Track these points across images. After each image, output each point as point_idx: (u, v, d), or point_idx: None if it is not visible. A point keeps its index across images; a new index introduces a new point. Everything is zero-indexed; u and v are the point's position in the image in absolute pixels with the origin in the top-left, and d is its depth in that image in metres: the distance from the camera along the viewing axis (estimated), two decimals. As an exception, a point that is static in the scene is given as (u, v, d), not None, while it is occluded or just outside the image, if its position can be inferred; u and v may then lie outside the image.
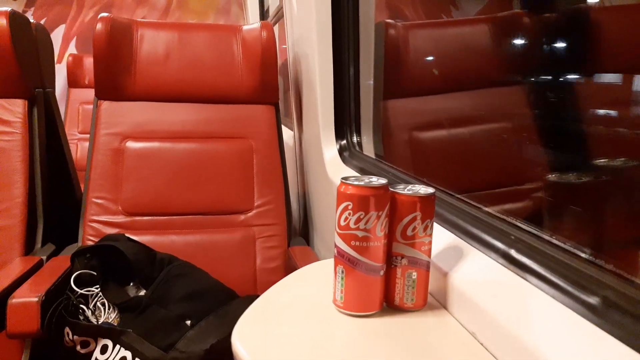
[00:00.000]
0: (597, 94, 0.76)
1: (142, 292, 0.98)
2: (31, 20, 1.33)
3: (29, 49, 1.31)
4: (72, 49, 3.23)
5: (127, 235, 1.11)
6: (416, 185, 0.60)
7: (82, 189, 1.24)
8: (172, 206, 1.22)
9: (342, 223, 0.56)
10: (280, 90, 1.35)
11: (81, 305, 0.94)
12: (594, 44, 0.72)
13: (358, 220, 0.55)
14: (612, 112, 0.71)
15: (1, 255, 1.14)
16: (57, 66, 2.18)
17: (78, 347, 0.89)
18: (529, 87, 0.98)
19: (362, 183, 0.55)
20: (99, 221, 1.19)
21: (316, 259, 1.17)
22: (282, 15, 1.54)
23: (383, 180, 0.57)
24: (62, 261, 1.06)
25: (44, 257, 1.13)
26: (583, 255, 0.49)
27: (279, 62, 1.34)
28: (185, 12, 3.34)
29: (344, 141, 1.19)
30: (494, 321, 0.49)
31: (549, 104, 0.87)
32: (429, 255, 0.59)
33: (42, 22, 3.07)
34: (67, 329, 0.90)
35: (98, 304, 0.94)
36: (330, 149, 1.19)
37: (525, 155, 0.89)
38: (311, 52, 1.21)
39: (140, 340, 0.86)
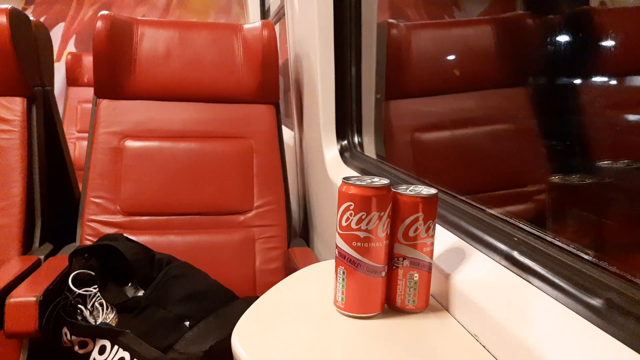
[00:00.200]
0: (603, 96, 0.76)
1: (141, 293, 0.97)
2: (31, 18, 1.33)
3: (29, 47, 1.30)
4: (71, 47, 3.22)
5: (125, 235, 1.11)
6: (418, 186, 0.59)
7: (81, 188, 1.23)
8: (171, 206, 1.22)
9: (344, 224, 0.55)
10: (280, 90, 1.35)
11: (79, 306, 0.93)
12: (598, 46, 0.72)
13: (360, 221, 0.54)
14: (616, 114, 0.71)
15: (-1, 254, 1.13)
16: (56, 64, 2.17)
17: (76, 348, 0.88)
18: (532, 88, 0.98)
19: (364, 183, 0.55)
20: (97, 221, 1.18)
21: (316, 260, 1.17)
22: (284, 15, 1.54)
23: (385, 181, 0.56)
24: (60, 261, 1.06)
25: (42, 257, 1.13)
26: (586, 257, 0.49)
27: (280, 61, 1.34)
28: (185, 10, 3.34)
29: (345, 142, 1.19)
30: (496, 323, 0.49)
31: (552, 105, 0.86)
32: (431, 257, 0.58)
33: (41, 20, 3.07)
34: (65, 329, 0.89)
35: (96, 304, 0.94)
36: (331, 149, 1.19)
37: (529, 157, 0.88)
38: (313, 51, 1.20)
39: (138, 341, 0.85)
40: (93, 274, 0.96)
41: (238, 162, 1.27)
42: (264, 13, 2.61)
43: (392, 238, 0.57)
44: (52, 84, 1.44)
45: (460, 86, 1.18)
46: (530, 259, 0.53)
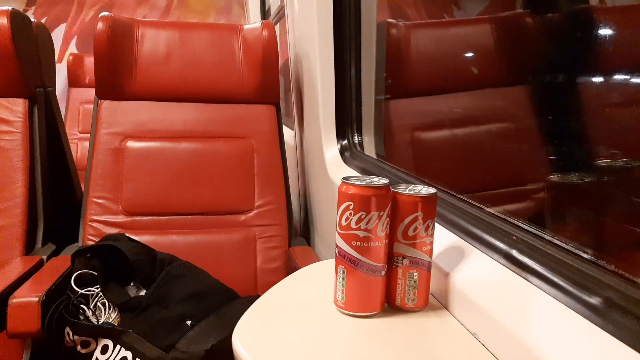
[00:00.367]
0: (602, 95, 0.76)
1: (143, 292, 0.97)
2: (32, 20, 1.33)
3: (30, 48, 1.31)
4: (72, 48, 3.23)
5: (127, 235, 1.11)
6: (418, 186, 0.59)
7: (83, 188, 1.24)
8: (173, 206, 1.22)
9: (343, 223, 0.55)
10: (281, 90, 1.35)
11: (81, 305, 0.94)
12: (597, 44, 0.72)
13: (359, 221, 0.54)
14: (615, 113, 0.71)
15: (1, 255, 1.14)
16: (57, 65, 2.17)
17: (78, 347, 0.89)
18: (531, 87, 0.98)
19: (363, 183, 0.55)
20: (99, 221, 1.19)
21: (317, 259, 1.17)
22: (284, 15, 1.54)
23: (384, 180, 0.56)
24: (63, 261, 1.06)
25: (45, 257, 1.13)
26: (585, 255, 0.49)
27: (280, 61, 1.34)
28: (186, 11, 3.34)
29: (345, 141, 1.19)
30: (495, 322, 0.49)
31: (552, 104, 0.87)
32: (431, 256, 0.59)
33: (42, 21, 3.08)
34: (67, 329, 0.90)
35: (98, 304, 0.94)
36: (331, 149, 1.19)
37: (528, 155, 0.88)
38: (312, 51, 1.20)
39: (140, 341, 0.86)
40: (95, 274, 0.96)
41: (239, 162, 1.27)
42: (264, 13, 2.61)
43: (391, 237, 0.58)
44: (53, 85, 1.44)
45: (460, 85, 1.18)
46: (529, 258, 0.53)
